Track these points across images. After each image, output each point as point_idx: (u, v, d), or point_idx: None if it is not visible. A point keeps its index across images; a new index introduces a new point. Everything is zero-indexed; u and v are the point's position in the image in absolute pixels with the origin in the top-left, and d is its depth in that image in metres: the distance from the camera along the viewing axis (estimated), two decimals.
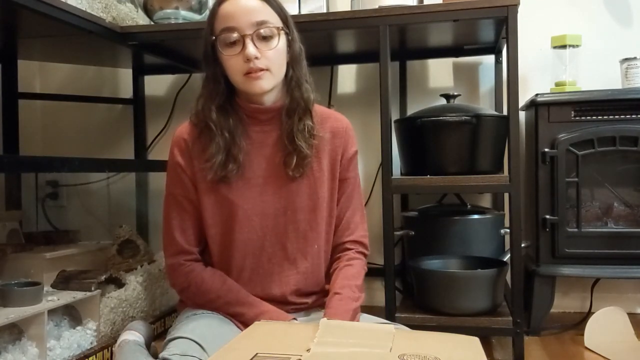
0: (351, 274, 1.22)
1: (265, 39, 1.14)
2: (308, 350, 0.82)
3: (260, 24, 1.13)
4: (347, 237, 1.26)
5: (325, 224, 1.24)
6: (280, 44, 1.15)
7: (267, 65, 1.14)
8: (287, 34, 1.18)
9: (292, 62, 1.21)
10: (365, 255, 1.29)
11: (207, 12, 1.77)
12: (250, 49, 1.12)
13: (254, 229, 1.20)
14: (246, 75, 1.14)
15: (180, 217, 1.22)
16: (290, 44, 1.19)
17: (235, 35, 1.13)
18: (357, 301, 1.19)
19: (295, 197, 1.21)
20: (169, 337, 1.12)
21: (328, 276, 1.27)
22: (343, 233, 1.26)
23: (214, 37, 1.16)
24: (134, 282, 1.71)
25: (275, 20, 1.15)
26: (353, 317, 1.16)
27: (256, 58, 1.12)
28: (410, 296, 1.76)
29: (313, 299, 1.27)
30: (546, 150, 1.76)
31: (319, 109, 1.26)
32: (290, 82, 1.21)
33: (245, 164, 1.20)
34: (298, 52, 1.21)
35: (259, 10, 1.14)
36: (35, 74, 2.44)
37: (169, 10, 1.84)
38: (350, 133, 1.28)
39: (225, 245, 1.22)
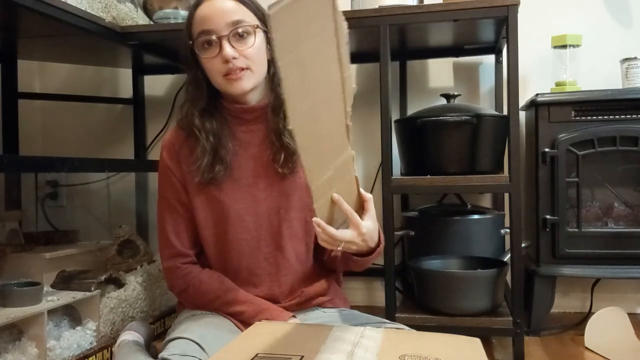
0: None
1: (242, 38, 1.14)
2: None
3: (236, 23, 1.13)
4: None
5: None
6: (257, 41, 1.15)
7: (247, 64, 1.14)
8: (265, 32, 1.18)
9: (274, 60, 1.21)
10: None
11: None
12: (227, 49, 1.12)
13: (248, 229, 1.20)
14: (226, 77, 1.14)
15: (173, 221, 1.22)
16: (270, 42, 1.19)
17: (211, 37, 1.13)
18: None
19: (288, 195, 1.21)
20: (168, 337, 1.12)
21: (323, 274, 1.27)
22: None
23: (191, 42, 1.16)
24: (134, 282, 1.71)
25: (251, 19, 1.15)
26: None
27: (234, 58, 1.12)
28: (410, 296, 1.75)
29: (312, 298, 1.26)
30: (546, 150, 1.76)
31: None
32: (273, 78, 1.21)
33: (234, 165, 1.20)
34: None
35: (234, 10, 1.14)
36: (35, 74, 2.43)
37: (168, 10, 1.85)
38: None
39: (220, 246, 1.22)
